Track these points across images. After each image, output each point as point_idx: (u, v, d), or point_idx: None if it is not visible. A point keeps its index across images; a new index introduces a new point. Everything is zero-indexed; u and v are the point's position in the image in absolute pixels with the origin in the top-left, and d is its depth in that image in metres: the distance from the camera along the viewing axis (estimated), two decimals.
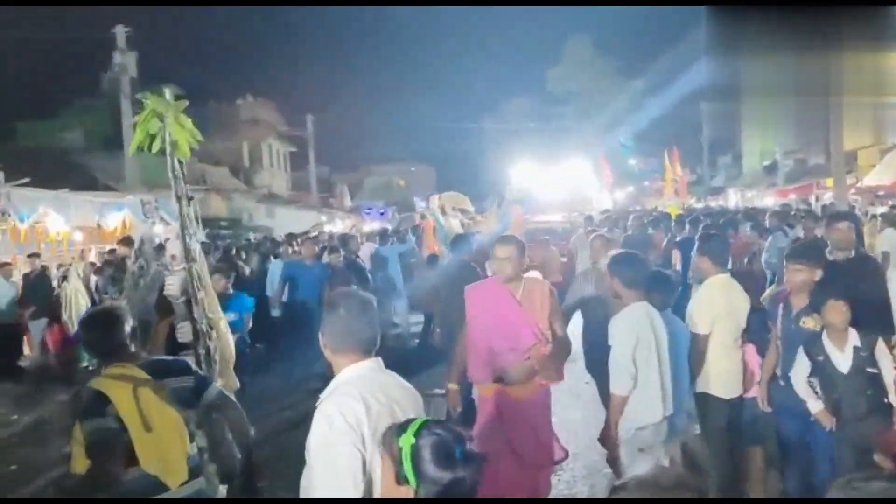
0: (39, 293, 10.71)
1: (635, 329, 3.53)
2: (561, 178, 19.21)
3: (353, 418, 2.15)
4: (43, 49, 29.58)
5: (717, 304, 4.28)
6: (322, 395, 2.34)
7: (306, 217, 32.13)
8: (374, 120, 55.61)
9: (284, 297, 9.20)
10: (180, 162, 4.79)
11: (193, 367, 3.34)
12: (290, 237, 13.69)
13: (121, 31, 18.88)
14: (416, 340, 10.49)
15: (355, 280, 9.71)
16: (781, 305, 4.23)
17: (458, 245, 8.50)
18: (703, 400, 4.27)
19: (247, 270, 10.77)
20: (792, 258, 4.18)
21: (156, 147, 4.72)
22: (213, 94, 37.19)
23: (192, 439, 2.95)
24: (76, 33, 19.52)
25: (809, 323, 4.03)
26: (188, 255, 4.47)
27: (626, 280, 3.71)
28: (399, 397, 2.35)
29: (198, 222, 5.03)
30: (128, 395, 2.84)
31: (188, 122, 4.78)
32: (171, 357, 3.57)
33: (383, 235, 11.98)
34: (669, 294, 4.20)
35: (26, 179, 12.50)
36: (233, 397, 3.38)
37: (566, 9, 53.88)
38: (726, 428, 4.26)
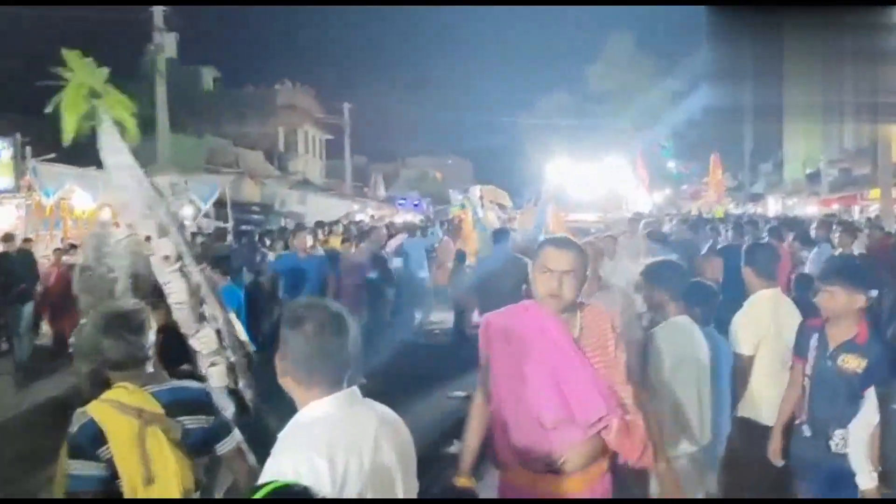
0: (19, 274, 9.91)
1: (676, 346, 3.20)
2: (596, 177, 18.80)
3: (313, 478, 1.73)
4: (81, 24, 29.85)
5: (764, 322, 3.92)
6: (278, 441, 1.88)
7: (339, 206, 32.00)
8: (413, 112, 55.37)
9: (281, 295, 8.60)
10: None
11: (216, 402, 2.74)
12: (319, 225, 13.48)
13: (158, 11, 18.85)
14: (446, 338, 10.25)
15: (378, 274, 9.50)
16: (816, 337, 3.52)
17: (502, 238, 8.21)
18: (745, 426, 3.91)
19: (270, 258, 10.55)
20: (826, 278, 3.44)
21: (93, 124, 3.64)
22: (252, 79, 37.44)
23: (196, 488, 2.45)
24: (114, 10, 19.48)
25: (851, 363, 3.33)
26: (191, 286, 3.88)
27: (671, 291, 3.37)
28: (380, 435, 1.91)
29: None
30: (132, 435, 2.32)
31: (121, 96, 3.84)
32: (195, 385, 2.78)
33: (411, 228, 11.62)
34: (712, 308, 3.86)
35: (52, 155, 12.32)
36: (248, 450, 2.71)
37: (607, 6, 53.12)
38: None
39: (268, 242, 12.24)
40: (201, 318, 3.84)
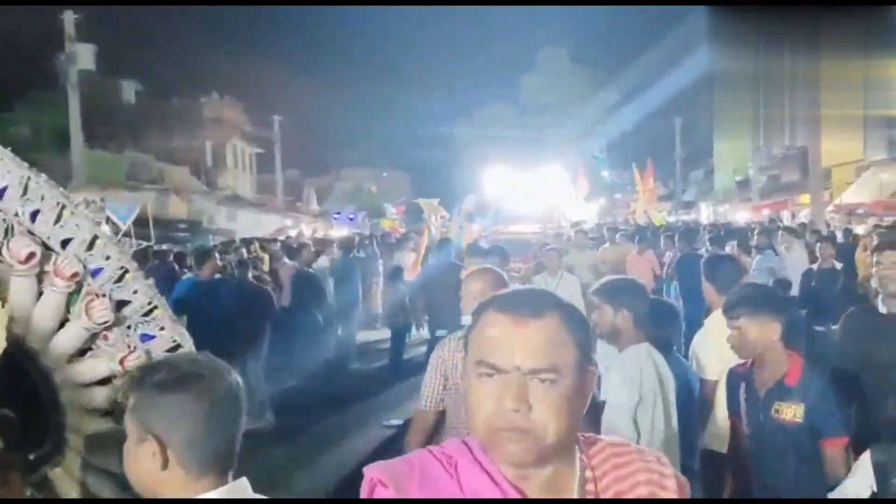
0: None
1: (638, 380, 2.70)
2: (534, 188, 18.49)
3: None
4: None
5: (726, 344, 3.48)
6: None
7: (271, 221, 31.08)
8: (347, 124, 54.61)
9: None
10: None
11: None
12: (245, 242, 12.58)
13: (69, 18, 17.71)
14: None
15: (309, 295, 8.83)
16: (743, 386, 2.91)
17: (445, 247, 9.21)
18: (712, 460, 3.44)
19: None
20: (729, 311, 2.88)
21: None
22: (177, 91, 36.09)
23: None
24: (29, 18, 18.20)
25: (786, 412, 2.70)
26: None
27: (634, 313, 2.87)
28: None
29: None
30: None
31: None
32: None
33: (347, 244, 10.79)
34: (675, 331, 3.39)
35: None
36: None
37: (543, 18, 53.56)
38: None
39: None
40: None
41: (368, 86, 64.76)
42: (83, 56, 33.23)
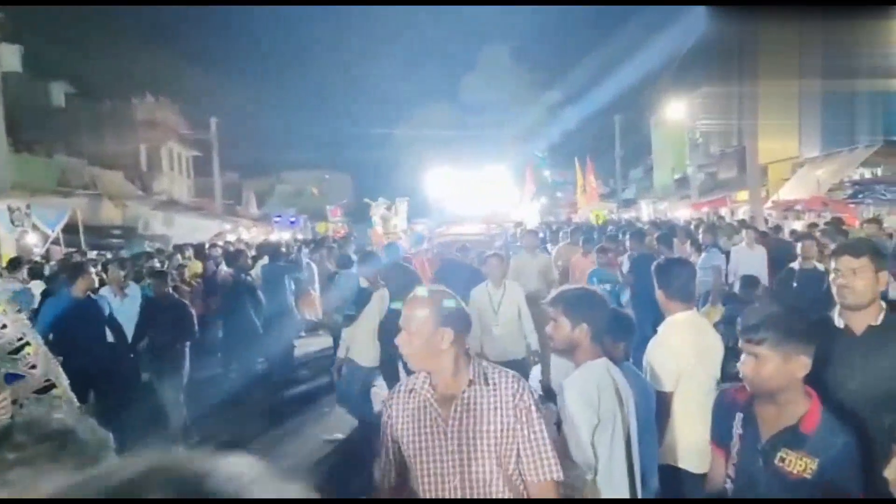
0: None
1: (596, 401, 2.52)
2: (477, 188, 18.30)
3: None
4: None
5: (684, 352, 3.34)
6: None
7: (209, 225, 30.28)
8: (287, 125, 53.83)
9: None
10: None
11: None
12: (178, 249, 12.05)
13: None
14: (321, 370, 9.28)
15: (247, 302, 8.47)
16: (740, 418, 2.47)
17: (392, 251, 8.98)
18: (673, 476, 3.29)
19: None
20: (750, 332, 2.35)
21: None
22: (109, 93, 34.85)
23: None
24: None
25: (794, 463, 2.25)
26: None
27: (596, 328, 2.68)
28: None
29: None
30: None
31: None
32: None
33: (273, 251, 10.14)
34: (630, 342, 3.24)
35: None
36: None
37: (484, 17, 53.70)
38: None
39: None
40: None
41: (308, 86, 63.93)
42: (8, 57, 31.95)
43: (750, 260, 9.03)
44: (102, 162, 30.06)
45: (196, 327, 6.99)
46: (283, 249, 10.87)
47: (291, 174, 55.39)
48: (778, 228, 14.83)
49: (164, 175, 35.07)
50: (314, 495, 0.81)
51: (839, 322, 2.89)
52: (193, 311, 7.00)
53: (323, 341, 10.55)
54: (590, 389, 2.52)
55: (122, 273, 7.66)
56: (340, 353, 6.57)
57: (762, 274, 8.58)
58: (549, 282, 8.29)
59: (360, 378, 6.40)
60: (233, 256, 8.95)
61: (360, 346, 6.40)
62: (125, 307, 7.01)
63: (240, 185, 47.43)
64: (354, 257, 7.44)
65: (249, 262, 9.12)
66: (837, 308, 2.92)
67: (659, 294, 3.50)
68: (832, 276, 2.90)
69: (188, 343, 6.88)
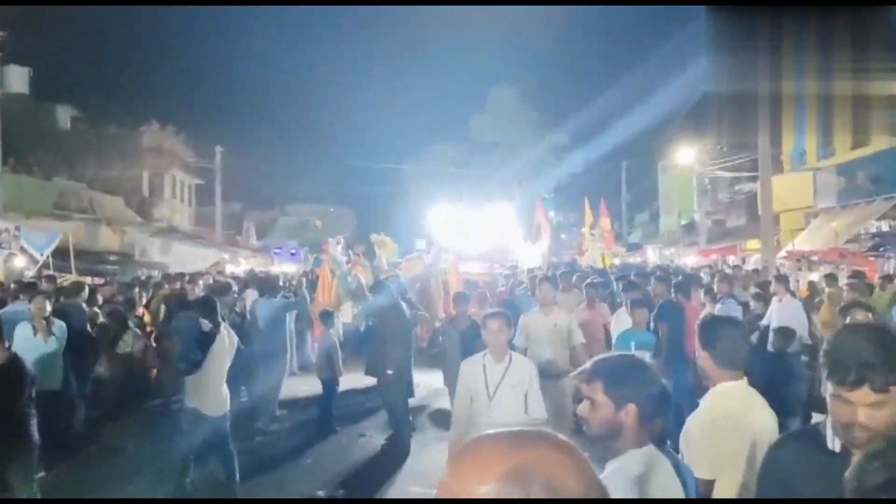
0: None
1: (640, 495, 1.93)
2: (483, 227, 17.80)
3: None
4: None
5: (730, 433, 2.75)
6: None
7: (207, 255, 29.76)
8: (292, 157, 53.69)
9: None
10: None
11: None
12: (168, 278, 11.44)
13: None
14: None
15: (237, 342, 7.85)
16: None
17: (380, 290, 8.24)
18: None
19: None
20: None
21: None
22: (116, 119, 34.67)
23: None
24: None
25: None
26: None
27: (643, 408, 2.08)
28: None
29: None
30: None
31: None
32: None
33: (267, 284, 9.52)
34: (668, 417, 2.65)
35: None
36: None
37: (493, 57, 53.87)
38: None
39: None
40: None
41: (315, 120, 64.05)
42: (15, 79, 31.87)
43: (788, 312, 8.28)
44: (103, 186, 29.75)
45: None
46: (280, 283, 10.15)
47: (295, 207, 55.22)
48: (785, 279, 14.25)
49: (165, 202, 34.73)
50: None
51: (834, 443, 2.03)
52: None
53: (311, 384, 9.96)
54: (633, 488, 1.94)
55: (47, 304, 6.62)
56: (187, 403, 5.93)
57: (802, 326, 7.91)
58: (569, 348, 6.77)
59: (207, 429, 5.85)
60: (217, 291, 8.26)
61: (208, 393, 5.85)
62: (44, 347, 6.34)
63: (242, 215, 47.09)
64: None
65: (234, 296, 8.47)
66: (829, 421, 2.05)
67: (703, 357, 2.92)
68: (831, 402, 1.96)
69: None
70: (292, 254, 34.89)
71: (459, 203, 19.63)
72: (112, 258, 24.80)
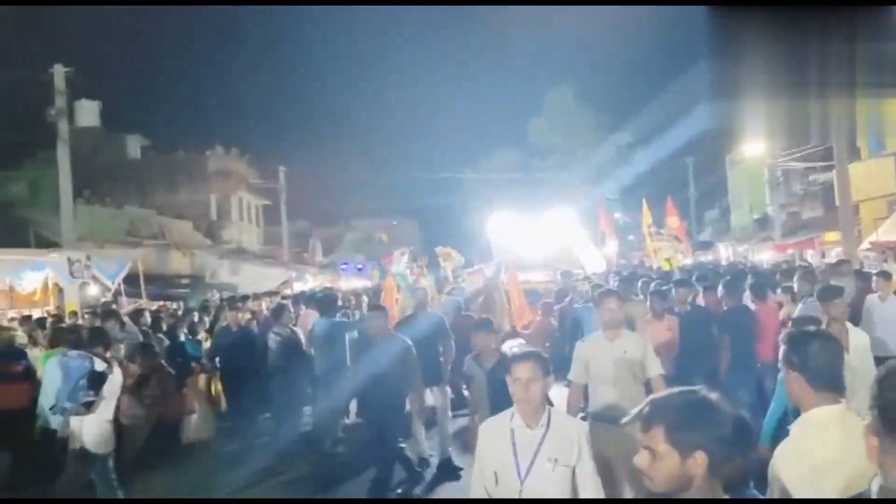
0: None
1: None
2: (544, 233, 17.36)
3: None
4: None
5: (829, 469, 2.39)
6: None
7: (275, 274, 30.18)
8: (354, 173, 54.21)
9: None
10: None
11: None
12: (231, 301, 11.40)
13: (59, 71, 16.98)
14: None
15: (290, 362, 7.75)
16: None
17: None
18: None
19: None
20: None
21: None
22: (183, 145, 35.65)
23: None
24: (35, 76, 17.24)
25: None
26: None
27: (714, 455, 1.77)
28: None
29: None
30: None
31: None
32: None
33: (326, 303, 8.91)
34: (752, 455, 2.29)
35: None
36: None
37: (550, 61, 53.34)
38: None
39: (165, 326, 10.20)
40: None
41: (375, 134, 64.68)
42: (86, 113, 33.09)
43: (883, 316, 7.10)
44: (172, 212, 30.55)
45: None
46: (340, 302, 9.88)
47: (361, 221, 55.81)
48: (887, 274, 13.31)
49: (233, 224, 35.42)
50: None
51: None
52: None
53: None
54: None
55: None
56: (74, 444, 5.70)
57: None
58: (643, 382, 5.20)
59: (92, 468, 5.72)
60: (275, 314, 8.15)
61: (96, 433, 5.67)
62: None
63: (309, 233, 47.78)
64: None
65: (291, 316, 8.37)
66: None
67: (793, 379, 2.56)
68: None
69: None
70: (359, 268, 35.09)
71: (519, 209, 19.20)
72: (184, 281, 25.36)
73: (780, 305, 8.41)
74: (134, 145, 35.36)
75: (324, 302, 8.94)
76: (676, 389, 1.92)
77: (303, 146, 48.14)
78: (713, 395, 1.87)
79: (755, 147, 29.31)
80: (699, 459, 1.73)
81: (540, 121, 43.09)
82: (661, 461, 1.77)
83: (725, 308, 7.79)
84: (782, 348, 2.62)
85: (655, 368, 5.10)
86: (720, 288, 8.12)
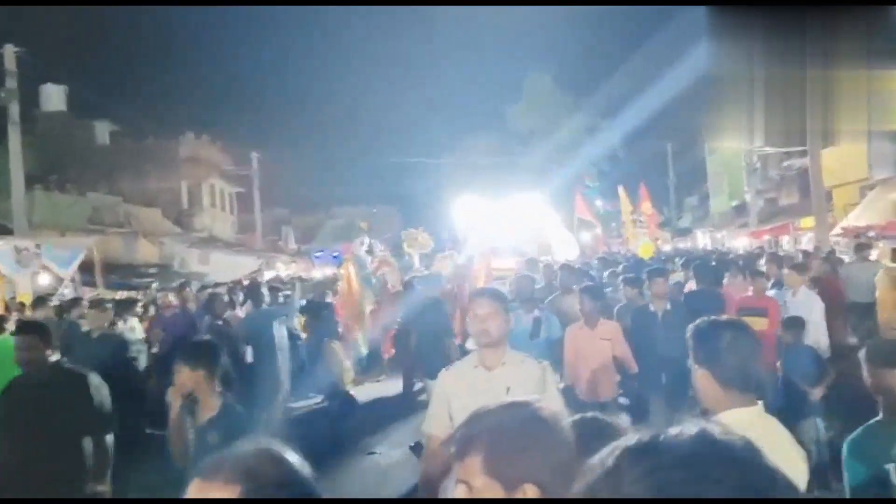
0: None
1: None
2: (514, 217, 16.90)
3: None
4: None
5: None
6: None
7: (247, 262, 29.63)
8: (333, 159, 53.61)
9: None
10: None
11: None
12: (182, 286, 10.80)
13: (9, 52, 16.26)
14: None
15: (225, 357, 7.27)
16: None
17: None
18: None
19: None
20: None
21: None
22: (154, 131, 34.89)
23: None
24: None
25: None
26: None
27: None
28: None
29: None
30: None
31: None
32: None
33: (252, 292, 8.72)
34: None
35: None
36: None
37: (528, 45, 52.87)
38: None
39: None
40: None
41: (353, 120, 64.00)
42: (53, 97, 32.27)
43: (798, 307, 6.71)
44: (141, 199, 29.88)
45: None
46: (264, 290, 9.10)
47: (341, 209, 55.16)
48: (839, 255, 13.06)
49: (204, 212, 34.78)
50: None
51: None
52: None
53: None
54: None
55: None
56: None
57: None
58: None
59: None
60: (207, 304, 7.58)
61: None
62: None
63: (288, 221, 47.15)
64: None
65: (224, 307, 7.78)
66: None
67: (700, 376, 2.17)
68: None
69: None
70: (334, 256, 34.55)
71: (495, 194, 18.73)
72: (151, 271, 24.79)
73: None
74: (103, 131, 34.57)
75: (249, 292, 8.51)
76: (506, 402, 1.48)
77: (280, 134, 47.44)
78: (558, 414, 1.44)
79: (734, 132, 29.04)
80: (529, 492, 1.31)
81: (518, 105, 42.71)
82: (479, 496, 1.35)
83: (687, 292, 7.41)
84: (689, 341, 2.21)
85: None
86: (690, 272, 7.78)
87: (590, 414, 1.82)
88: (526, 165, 38.79)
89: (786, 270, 7.53)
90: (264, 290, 8.61)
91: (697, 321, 2.23)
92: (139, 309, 9.78)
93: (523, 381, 2.95)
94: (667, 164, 42.33)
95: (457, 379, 3.14)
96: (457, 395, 3.03)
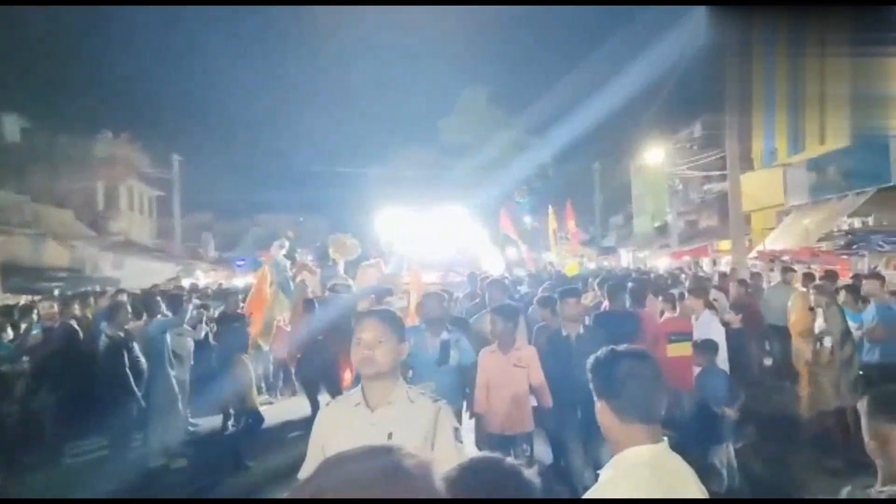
0: None
1: None
2: (438, 231, 16.71)
3: None
4: None
5: None
6: None
7: (163, 269, 28.55)
8: (258, 166, 52.45)
9: None
10: None
11: None
12: (84, 297, 10.21)
13: None
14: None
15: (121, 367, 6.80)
16: None
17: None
18: None
19: None
20: None
21: None
22: (68, 129, 33.32)
23: None
24: None
25: None
26: None
27: None
28: None
29: None
30: None
31: None
32: None
33: (146, 303, 8.11)
34: None
35: None
36: None
37: (463, 60, 53.10)
38: None
39: None
40: None
41: (281, 127, 62.95)
42: None
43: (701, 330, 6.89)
44: (53, 199, 28.47)
45: None
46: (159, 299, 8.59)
47: (267, 217, 54.01)
48: (758, 277, 13.52)
49: (121, 215, 33.42)
50: None
51: None
52: None
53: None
54: None
55: None
56: None
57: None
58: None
59: None
60: (108, 313, 7.00)
61: None
62: None
63: (211, 227, 45.90)
64: None
65: (126, 318, 7.23)
66: None
67: (600, 410, 1.97)
68: None
69: None
70: (258, 263, 33.69)
71: (413, 205, 18.50)
72: (60, 275, 23.60)
73: (661, 313, 8.02)
74: (12, 127, 32.85)
75: (144, 302, 8.03)
76: (365, 448, 1.21)
77: (203, 137, 46.02)
78: (428, 464, 1.20)
79: (656, 154, 29.71)
80: None
81: (451, 119, 42.82)
82: None
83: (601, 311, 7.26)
84: (588, 375, 2.02)
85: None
86: (604, 291, 7.63)
87: (485, 454, 1.59)
88: (455, 179, 38.85)
89: (687, 294, 7.54)
90: (159, 299, 8.09)
91: (598, 352, 2.03)
92: (34, 316, 9.12)
93: (409, 424, 2.52)
94: (594, 183, 43.12)
95: (335, 417, 2.67)
96: (333, 437, 2.58)
